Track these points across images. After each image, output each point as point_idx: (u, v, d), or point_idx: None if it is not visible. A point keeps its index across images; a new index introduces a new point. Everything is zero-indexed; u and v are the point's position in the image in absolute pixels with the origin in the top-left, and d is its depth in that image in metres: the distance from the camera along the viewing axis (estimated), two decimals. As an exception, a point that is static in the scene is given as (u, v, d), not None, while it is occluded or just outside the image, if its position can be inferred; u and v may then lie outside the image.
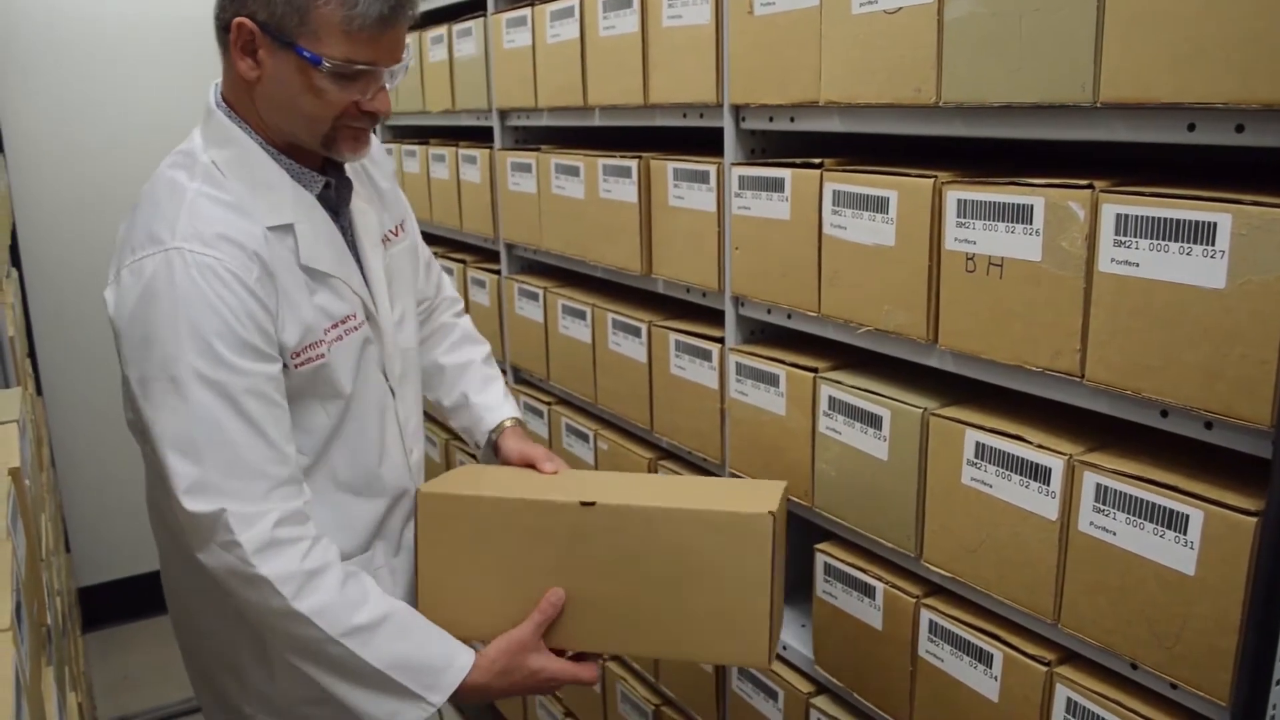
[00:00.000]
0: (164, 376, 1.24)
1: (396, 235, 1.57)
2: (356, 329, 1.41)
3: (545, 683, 1.37)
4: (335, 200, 1.44)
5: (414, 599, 1.44)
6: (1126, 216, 1.06)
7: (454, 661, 1.33)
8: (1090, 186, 1.10)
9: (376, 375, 1.46)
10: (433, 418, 2.88)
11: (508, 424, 1.67)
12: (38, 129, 3.48)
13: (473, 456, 2.71)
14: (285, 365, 1.32)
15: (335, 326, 1.38)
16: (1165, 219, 1.03)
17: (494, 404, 1.71)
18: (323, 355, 1.36)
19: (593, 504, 1.35)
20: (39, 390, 3.44)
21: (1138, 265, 1.06)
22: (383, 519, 1.50)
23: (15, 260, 3.40)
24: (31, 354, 3.44)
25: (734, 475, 1.75)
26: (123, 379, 1.33)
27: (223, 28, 1.30)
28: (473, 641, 1.40)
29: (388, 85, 1.33)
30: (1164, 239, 1.03)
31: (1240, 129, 0.98)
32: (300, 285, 1.34)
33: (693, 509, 1.31)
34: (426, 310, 1.76)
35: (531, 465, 1.57)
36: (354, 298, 1.41)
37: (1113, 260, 1.08)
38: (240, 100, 1.35)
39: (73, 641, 2.38)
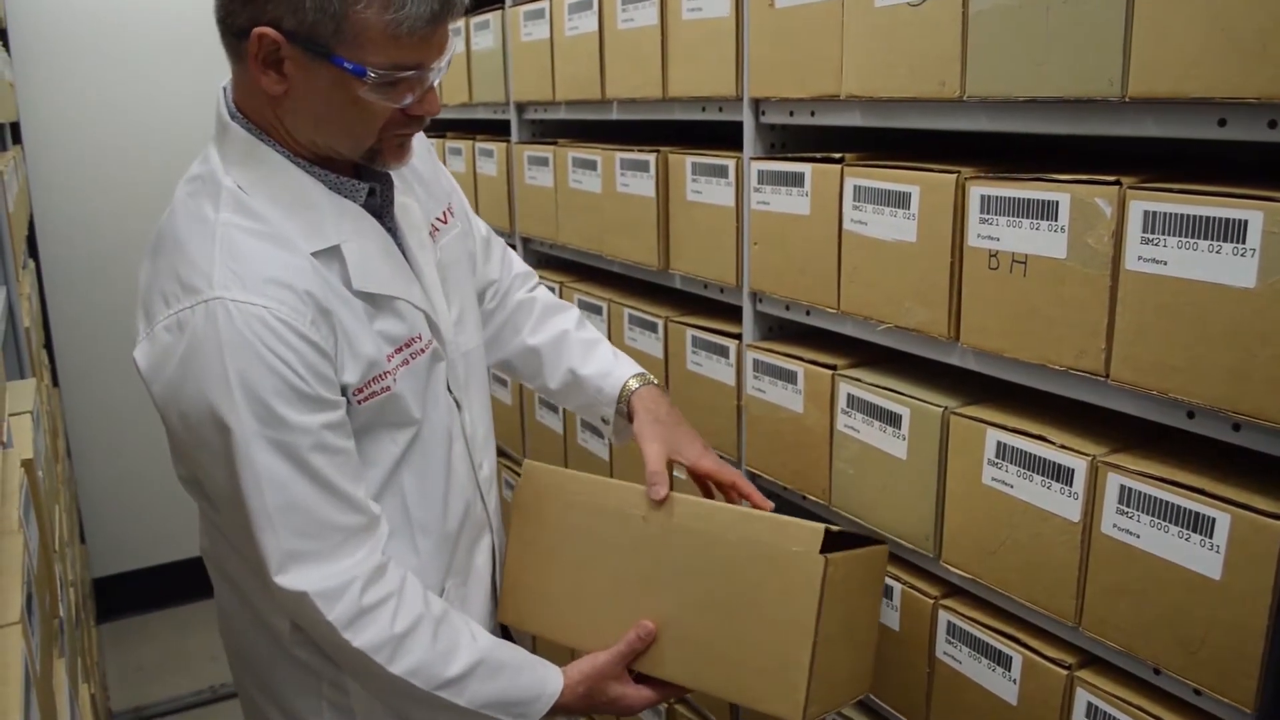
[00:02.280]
0: (220, 445, 1.13)
1: (445, 221, 1.42)
2: (424, 350, 1.29)
3: (622, 709, 1.36)
4: (380, 205, 1.30)
5: (487, 624, 1.43)
6: (1154, 214, 1.04)
7: (544, 690, 1.32)
8: (1117, 183, 1.08)
9: (443, 391, 1.34)
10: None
11: (634, 385, 1.49)
12: (56, 122, 3.49)
13: (517, 473, 2.63)
14: (348, 401, 1.20)
15: (399, 351, 1.25)
16: (1194, 216, 1.01)
17: (605, 369, 1.52)
18: (389, 387, 1.23)
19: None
20: (55, 381, 3.46)
21: (1165, 263, 1.04)
22: (452, 554, 1.38)
23: (33, 252, 3.41)
24: (48, 345, 3.46)
25: (750, 473, 1.74)
26: (168, 433, 1.23)
27: (234, 34, 1.14)
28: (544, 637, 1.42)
29: (434, 81, 1.19)
30: (1192, 237, 1.01)
31: (1273, 124, 0.96)
32: (357, 314, 1.21)
33: (753, 529, 1.27)
34: (498, 295, 1.60)
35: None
36: (415, 313, 1.28)
37: (1140, 258, 1.06)
38: (259, 109, 1.20)
39: (86, 633, 2.39)
